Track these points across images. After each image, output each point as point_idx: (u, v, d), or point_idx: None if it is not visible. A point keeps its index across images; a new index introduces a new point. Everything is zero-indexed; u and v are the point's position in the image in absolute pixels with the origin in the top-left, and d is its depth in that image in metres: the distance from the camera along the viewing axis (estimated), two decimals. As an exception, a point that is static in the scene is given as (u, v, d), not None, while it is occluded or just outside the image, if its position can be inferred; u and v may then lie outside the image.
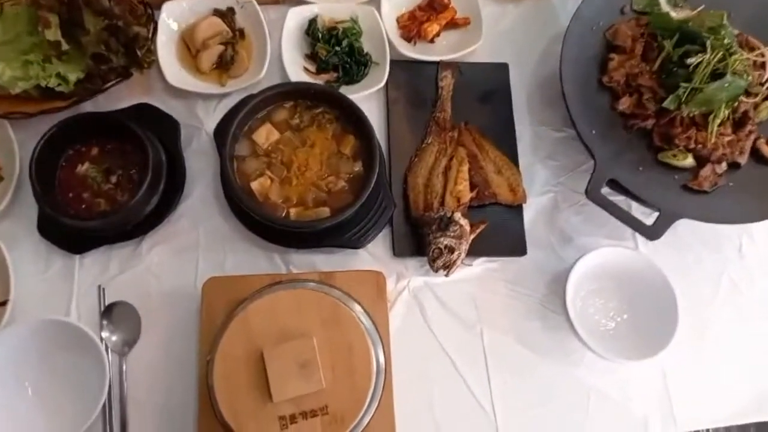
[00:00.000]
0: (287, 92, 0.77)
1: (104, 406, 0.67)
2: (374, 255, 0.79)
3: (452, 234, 0.74)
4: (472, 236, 0.76)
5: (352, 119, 0.76)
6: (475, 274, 0.79)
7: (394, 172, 0.81)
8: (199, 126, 0.82)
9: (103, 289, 0.73)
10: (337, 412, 0.61)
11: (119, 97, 0.80)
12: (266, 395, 0.61)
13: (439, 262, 0.74)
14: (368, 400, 0.63)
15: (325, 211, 0.73)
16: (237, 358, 0.62)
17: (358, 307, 0.68)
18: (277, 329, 0.63)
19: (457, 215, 0.75)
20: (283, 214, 0.73)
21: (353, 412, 0.62)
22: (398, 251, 0.78)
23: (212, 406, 0.62)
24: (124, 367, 0.70)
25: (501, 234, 0.79)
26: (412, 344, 0.74)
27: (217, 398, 0.61)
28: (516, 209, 0.81)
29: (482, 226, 0.77)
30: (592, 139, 0.75)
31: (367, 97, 0.83)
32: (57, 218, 0.70)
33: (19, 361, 0.67)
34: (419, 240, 0.78)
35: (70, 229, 0.72)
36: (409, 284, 0.78)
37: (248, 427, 0.60)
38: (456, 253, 0.74)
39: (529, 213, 0.82)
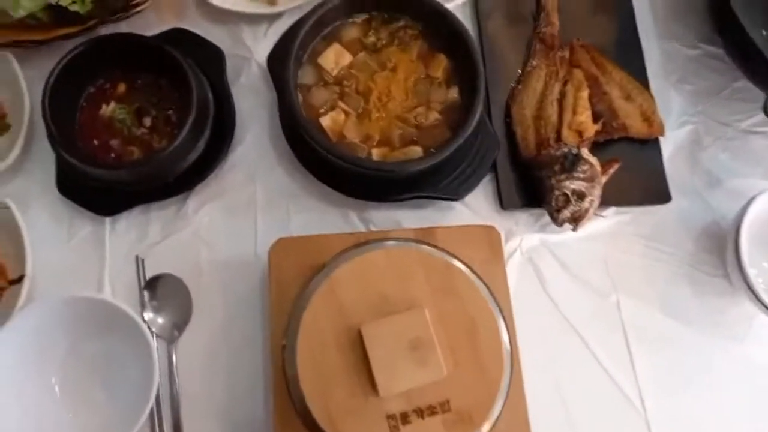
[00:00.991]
0: (360, 0, 0.60)
1: (152, 406, 0.53)
2: (473, 209, 0.63)
3: (581, 176, 0.58)
4: (604, 179, 0.60)
5: (444, 33, 0.60)
6: (603, 229, 0.63)
7: (492, 104, 0.65)
8: (247, 56, 0.66)
9: (142, 260, 0.58)
10: (463, 408, 0.46)
11: (146, 23, 0.65)
12: (368, 387, 0.46)
13: (566, 212, 0.58)
14: (500, 391, 0.47)
15: (417, 151, 0.58)
16: (325, 340, 0.47)
17: (467, 271, 0.52)
18: (375, 300, 0.48)
19: (585, 151, 0.59)
20: (364, 157, 0.57)
21: (483, 408, 0.46)
22: (506, 203, 0.62)
23: (292, 402, 0.47)
24: (173, 356, 0.55)
25: (635, 176, 0.62)
26: (529, 318, 0.58)
27: (304, 393, 0.46)
28: (651, 144, 0.64)
29: (615, 166, 0.61)
30: (764, 44, 0.57)
31: (451, 11, 0.66)
32: (78, 168, 0.55)
33: (41, 351, 0.52)
34: (531, 187, 0.61)
35: (96, 184, 0.57)
36: (521, 244, 0.62)
37: (347, 430, 0.45)
38: (587, 199, 0.58)
39: (665, 150, 0.65)
